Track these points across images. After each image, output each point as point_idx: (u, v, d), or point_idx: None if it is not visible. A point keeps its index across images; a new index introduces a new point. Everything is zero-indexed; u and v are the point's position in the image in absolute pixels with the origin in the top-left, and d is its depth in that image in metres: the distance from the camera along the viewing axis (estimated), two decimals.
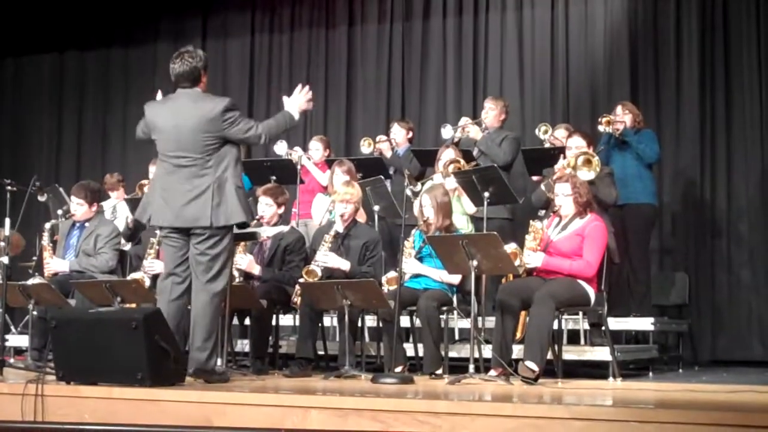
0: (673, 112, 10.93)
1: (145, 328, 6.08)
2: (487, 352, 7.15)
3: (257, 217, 8.17)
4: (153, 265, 8.40)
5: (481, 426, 5.18)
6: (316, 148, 10.32)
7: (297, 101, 6.87)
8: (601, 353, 7.71)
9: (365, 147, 10.40)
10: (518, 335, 7.27)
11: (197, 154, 6.56)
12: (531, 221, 7.44)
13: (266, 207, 8.20)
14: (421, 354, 7.73)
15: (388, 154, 10.17)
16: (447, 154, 8.89)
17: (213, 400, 5.87)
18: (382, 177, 9.42)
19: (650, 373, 8.34)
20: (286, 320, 8.72)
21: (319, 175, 10.03)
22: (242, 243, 7.90)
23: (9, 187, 7.66)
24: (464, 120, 9.68)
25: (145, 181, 9.57)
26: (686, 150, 10.82)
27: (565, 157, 8.26)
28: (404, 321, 7.89)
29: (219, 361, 6.87)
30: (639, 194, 9.16)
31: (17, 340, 9.78)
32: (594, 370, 7.87)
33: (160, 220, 6.72)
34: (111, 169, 11.79)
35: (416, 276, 7.73)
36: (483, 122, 9.49)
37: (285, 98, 6.96)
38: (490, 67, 11.96)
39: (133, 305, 7.83)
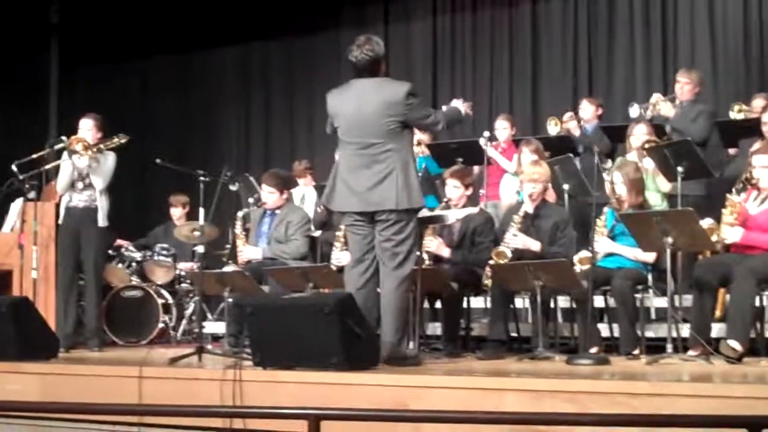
0: None
1: (338, 313, 6.13)
2: (686, 331, 6.97)
3: (445, 199, 8.16)
4: (340, 257, 8.44)
5: (682, 407, 5.05)
6: (504, 127, 10.22)
7: (459, 104, 7.22)
8: None
9: (552, 127, 10.23)
10: (717, 313, 7.06)
11: (379, 138, 6.61)
12: (728, 195, 7.14)
13: (454, 189, 8.15)
14: (616, 334, 7.56)
15: (576, 132, 9.98)
16: (638, 130, 8.66)
17: (407, 383, 5.89)
18: (571, 155, 9.26)
19: None
20: (477, 302, 8.67)
21: (503, 162, 9.91)
22: (431, 226, 7.89)
23: (202, 178, 7.84)
24: (655, 97, 9.40)
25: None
26: None
27: (762, 128, 7.94)
28: (598, 301, 7.74)
29: (411, 345, 6.88)
30: None
31: (214, 326, 10.02)
32: None
33: (345, 205, 6.78)
34: (299, 157, 11.95)
35: (609, 255, 7.55)
36: (676, 97, 9.20)
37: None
38: (680, 38, 11.60)
39: (326, 290, 7.92)
